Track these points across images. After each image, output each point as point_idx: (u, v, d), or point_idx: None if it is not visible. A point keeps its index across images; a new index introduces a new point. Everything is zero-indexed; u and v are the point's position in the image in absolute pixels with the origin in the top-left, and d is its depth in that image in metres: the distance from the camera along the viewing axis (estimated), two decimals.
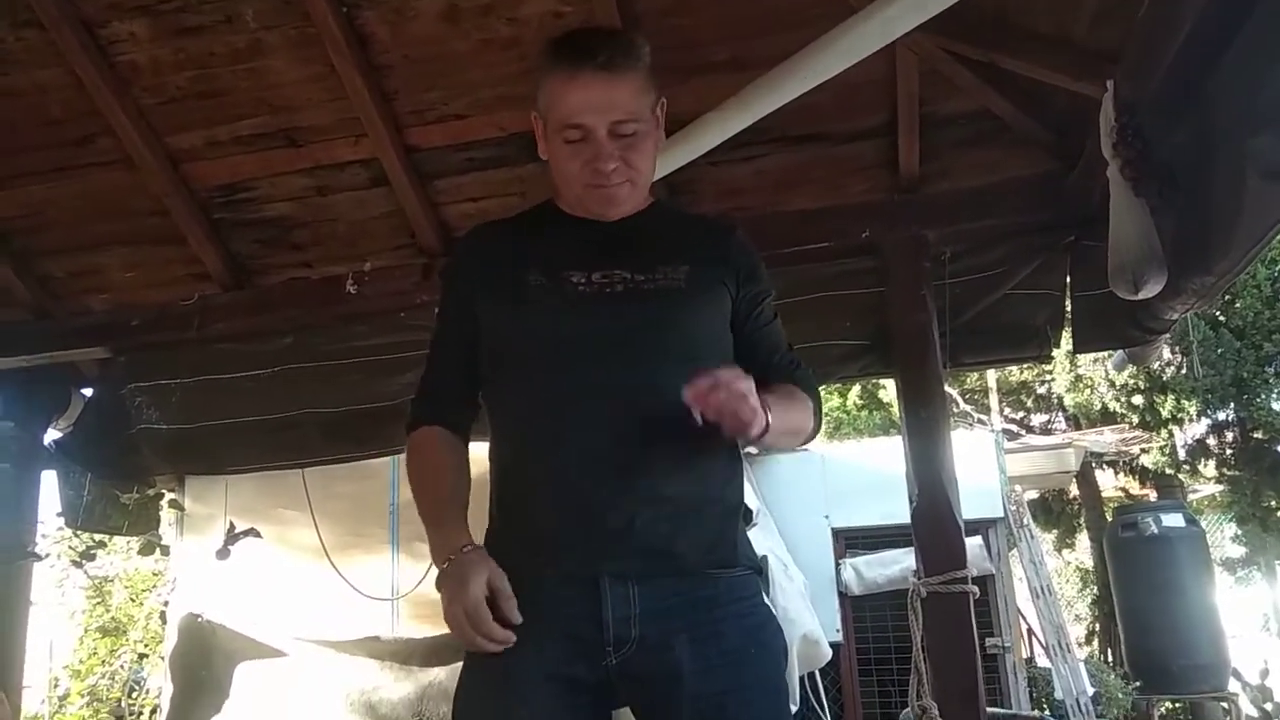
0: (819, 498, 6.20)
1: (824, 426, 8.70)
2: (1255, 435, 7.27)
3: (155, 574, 5.66)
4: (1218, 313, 6.97)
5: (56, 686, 6.06)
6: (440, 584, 1.42)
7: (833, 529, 6.14)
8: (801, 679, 5.28)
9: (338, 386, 2.82)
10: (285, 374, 2.84)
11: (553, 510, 1.45)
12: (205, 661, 3.99)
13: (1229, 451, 7.63)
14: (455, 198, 2.63)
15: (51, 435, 3.06)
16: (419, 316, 2.71)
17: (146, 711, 5.70)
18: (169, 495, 3.81)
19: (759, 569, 1.53)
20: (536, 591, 1.42)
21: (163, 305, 2.82)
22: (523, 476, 1.50)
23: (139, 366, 2.92)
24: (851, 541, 6.21)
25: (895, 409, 8.57)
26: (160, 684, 4.64)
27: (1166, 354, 6.96)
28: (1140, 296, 1.85)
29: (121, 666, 5.88)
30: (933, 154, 2.41)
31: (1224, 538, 9.30)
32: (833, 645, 5.57)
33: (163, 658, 4.45)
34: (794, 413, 1.48)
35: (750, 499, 4.92)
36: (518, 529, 1.48)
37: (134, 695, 5.89)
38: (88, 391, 3.09)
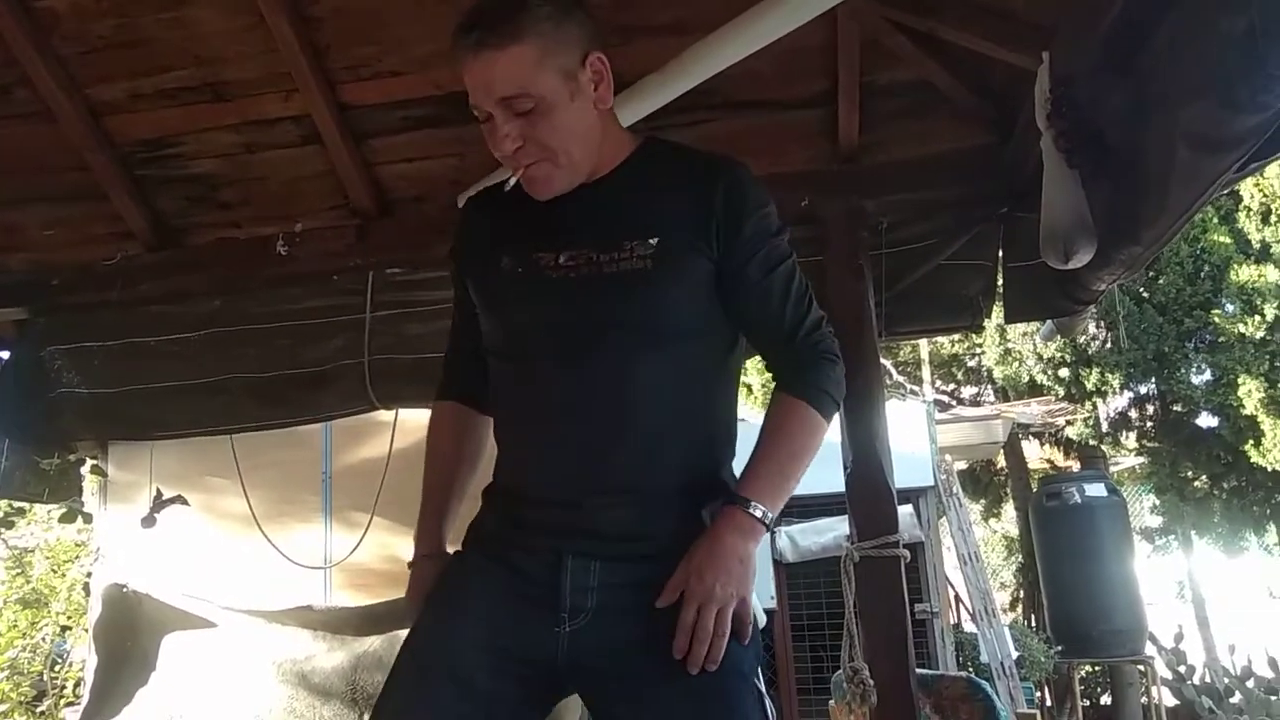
0: None
1: (760, 397, 8.75)
2: (1175, 408, 7.53)
3: (78, 544, 5.50)
4: (1142, 289, 7.18)
5: None
6: (410, 577, 1.57)
7: None
8: None
9: (268, 350, 2.76)
10: (213, 337, 2.76)
11: (524, 493, 1.48)
12: (131, 633, 3.89)
13: (1149, 424, 7.89)
14: (390, 158, 2.57)
15: None
16: (351, 280, 2.66)
17: (70, 685, 5.57)
18: (91, 462, 3.70)
19: None
20: (503, 553, 1.46)
21: (84, 265, 2.72)
22: (505, 452, 1.53)
23: (59, 328, 2.82)
24: (786, 510, 6.26)
25: None
26: (84, 656, 4.52)
27: (1092, 329, 7.16)
28: (1070, 266, 1.89)
29: (43, 639, 5.73)
30: (872, 124, 2.43)
31: (1143, 508, 9.64)
32: (767, 612, 5.66)
33: (86, 630, 4.34)
34: (793, 465, 1.46)
35: None
36: (498, 496, 1.53)
37: (56, 668, 5.75)
38: (4, 354, 2.98)
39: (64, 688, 5.63)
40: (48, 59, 2.37)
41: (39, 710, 5.62)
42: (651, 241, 1.40)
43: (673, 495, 1.43)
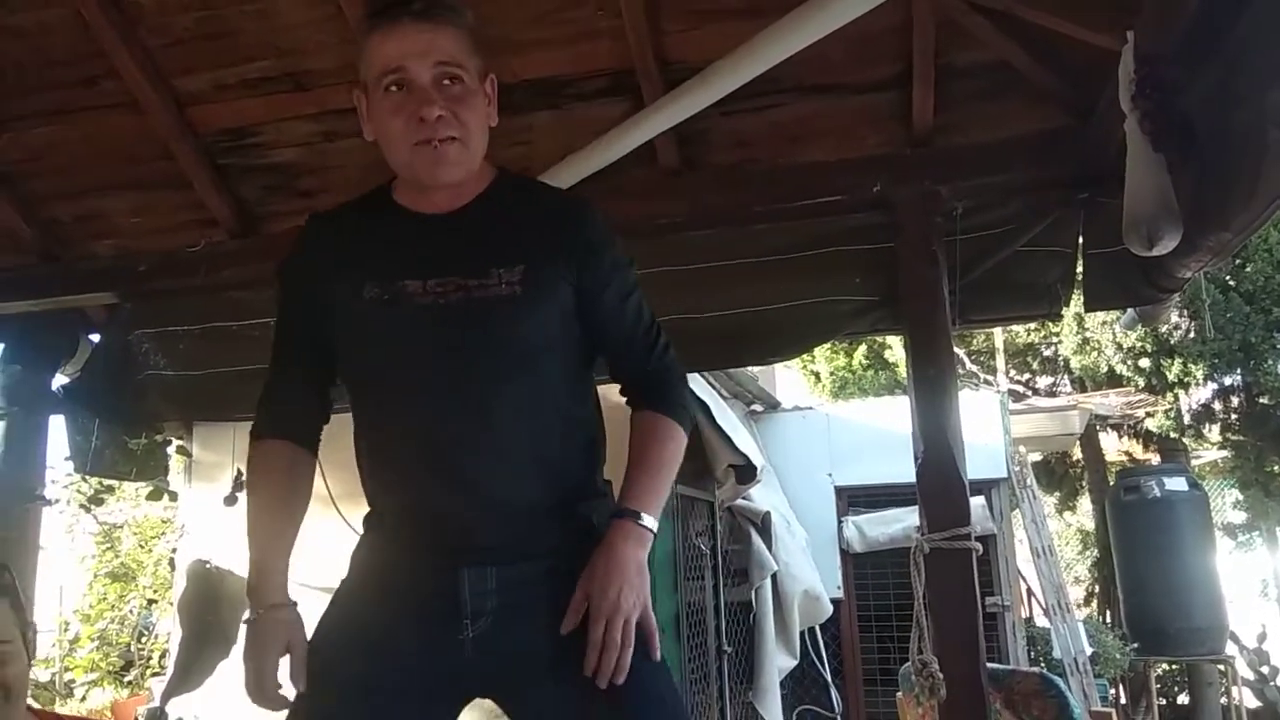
0: (823, 456, 6.22)
1: (829, 385, 8.65)
2: (1261, 400, 7.26)
3: (164, 521, 5.71)
4: (1228, 277, 6.92)
5: (67, 630, 6.15)
6: (246, 634, 1.46)
7: (836, 487, 6.17)
8: (802, 634, 5.33)
9: None
10: None
11: (408, 516, 1.49)
12: (214, 608, 4.03)
13: (1234, 416, 7.62)
14: None
15: (59, 380, 3.07)
16: None
17: (155, 656, 5.79)
18: (177, 442, 3.83)
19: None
20: (395, 576, 1.48)
21: (169, 251, 2.81)
22: (380, 478, 1.52)
23: (146, 313, 2.92)
24: (854, 499, 6.23)
25: (900, 369, 8.54)
26: (169, 629, 4.70)
27: (1175, 318, 6.93)
28: (1154, 253, 1.83)
29: (131, 612, 5.96)
30: (947, 106, 2.38)
31: (1226, 503, 9.33)
32: (833, 601, 5.62)
33: (171, 603, 4.50)
34: (665, 473, 1.52)
35: (755, 456, 4.93)
36: (379, 520, 1.53)
37: (143, 640, 5.98)
38: (95, 338, 3.09)
39: (150, 658, 5.86)
40: (134, 50, 2.45)
41: (126, 679, 5.86)
42: (519, 268, 1.43)
43: (555, 505, 1.48)
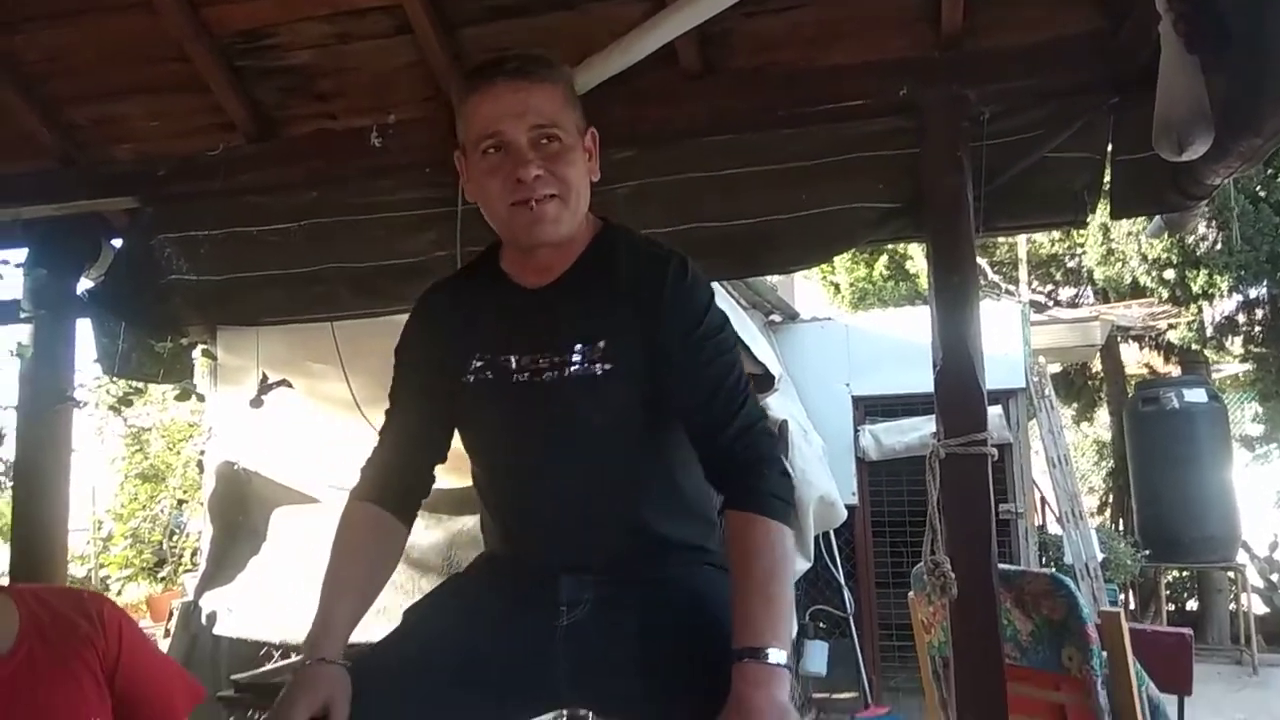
0: (841, 366, 6.24)
1: (849, 296, 8.62)
2: None
3: (191, 425, 5.82)
4: (1259, 187, 6.79)
5: (100, 528, 6.35)
6: (289, 681, 1.43)
7: (853, 396, 6.20)
8: (816, 538, 5.43)
9: (363, 242, 2.82)
10: (311, 228, 2.83)
11: (516, 554, 1.59)
12: (242, 507, 4.15)
13: (1257, 329, 7.56)
14: (481, 48, 2.56)
15: (84, 285, 3.10)
16: (443, 172, 2.68)
17: (187, 553, 5.98)
18: (202, 346, 3.88)
19: (722, 566, 1.53)
20: (499, 574, 1.59)
21: (188, 156, 2.79)
22: (494, 530, 1.64)
23: (167, 217, 2.92)
24: (871, 409, 6.27)
25: (921, 280, 8.50)
26: (200, 528, 4.83)
27: (1202, 228, 6.82)
28: (1185, 158, 1.80)
29: (161, 511, 6.14)
30: (977, 8, 2.31)
31: (1245, 416, 9.33)
32: (848, 508, 5.71)
33: (201, 504, 4.62)
34: (780, 590, 1.38)
35: (773, 365, 4.95)
36: (492, 555, 1.65)
37: (174, 539, 6.17)
38: (118, 243, 3.11)
39: (182, 556, 6.05)
40: None
41: (160, 575, 6.06)
42: (600, 344, 1.44)
43: (654, 546, 1.53)
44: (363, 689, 1.40)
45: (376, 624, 1.54)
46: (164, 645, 3.94)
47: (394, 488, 1.59)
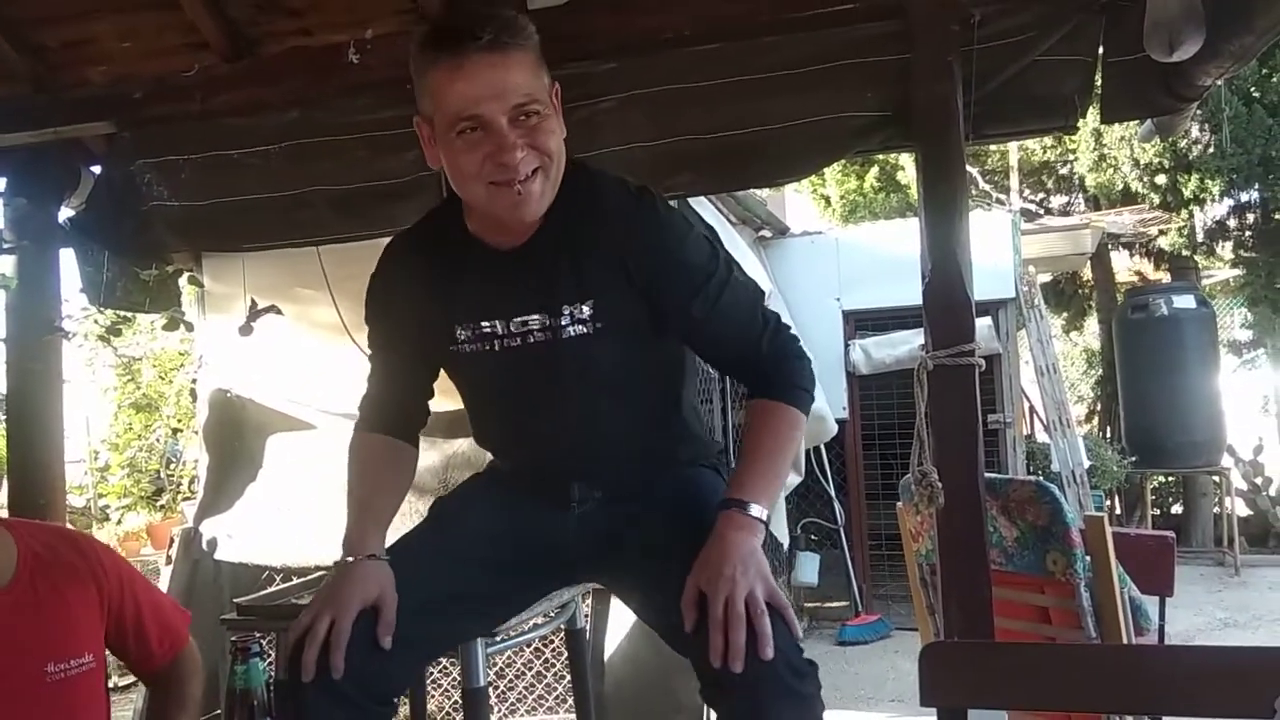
0: (831, 280, 6.23)
1: (839, 209, 8.57)
2: (1277, 216, 7.17)
3: (182, 354, 5.81)
4: (1253, 88, 6.71)
5: (97, 459, 6.38)
6: (333, 573, 1.46)
7: (843, 311, 6.20)
8: (807, 451, 5.50)
9: (345, 163, 2.77)
10: (292, 149, 2.78)
11: (523, 468, 1.69)
12: (237, 434, 4.17)
13: (1248, 233, 7.56)
14: None
15: (65, 213, 3.06)
16: None
17: (185, 482, 6.02)
18: (188, 273, 3.85)
19: (716, 468, 1.72)
20: (515, 478, 1.69)
21: (163, 77, 2.73)
22: (487, 440, 1.74)
23: (145, 142, 2.87)
24: (861, 323, 6.28)
25: (912, 191, 8.43)
26: (196, 456, 4.86)
27: (1195, 132, 6.76)
28: (1175, 58, 1.78)
29: (157, 440, 6.16)
30: None
31: (1234, 321, 9.37)
32: (839, 422, 5.76)
33: (196, 432, 4.64)
34: (780, 461, 1.50)
35: (763, 281, 4.94)
36: (499, 466, 1.74)
37: (171, 467, 6.21)
38: (97, 169, 3.06)
39: (179, 484, 6.10)
40: None
41: (159, 504, 6.12)
42: (588, 303, 1.44)
43: (660, 464, 1.64)
44: (397, 576, 1.47)
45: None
46: (166, 572, 4.00)
47: (394, 418, 1.65)
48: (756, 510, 1.43)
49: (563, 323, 1.45)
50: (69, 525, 3.15)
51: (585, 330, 1.45)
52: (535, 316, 1.47)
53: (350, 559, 1.45)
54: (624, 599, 1.70)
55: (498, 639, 1.79)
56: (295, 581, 2.73)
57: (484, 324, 1.49)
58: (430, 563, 1.52)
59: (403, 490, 1.63)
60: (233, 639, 1.40)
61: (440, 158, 1.44)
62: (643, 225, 1.45)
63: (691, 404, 1.69)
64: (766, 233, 6.32)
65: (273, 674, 1.46)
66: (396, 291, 1.59)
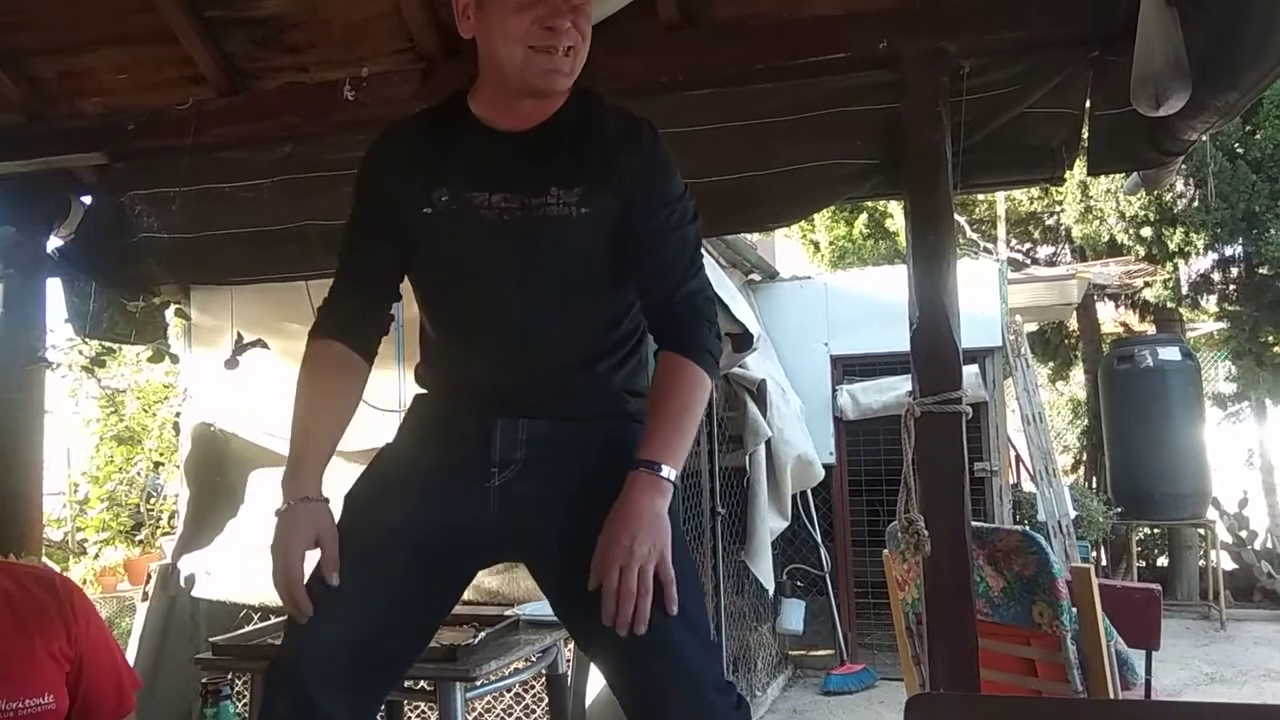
0: (820, 325, 6.24)
1: (828, 255, 8.59)
2: (1260, 271, 7.24)
3: (166, 386, 5.77)
4: (1236, 144, 6.80)
5: (76, 491, 6.30)
6: (276, 525, 1.47)
7: (831, 356, 6.21)
8: (794, 497, 5.47)
9: (337, 198, 2.76)
10: (284, 184, 2.80)
11: (450, 386, 1.60)
12: (219, 469, 4.12)
13: (1232, 287, 7.61)
14: None
15: (54, 243, 3.05)
16: None
17: (165, 516, 5.94)
18: (175, 305, 3.83)
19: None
20: (433, 431, 1.58)
21: (158, 109, 2.74)
22: (432, 360, 1.63)
23: (137, 173, 2.88)
24: (849, 368, 6.29)
25: (901, 238, 8.46)
26: (177, 490, 4.80)
27: (1180, 186, 6.84)
28: (1161, 112, 1.80)
29: (138, 474, 6.09)
30: None
31: (1219, 374, 9.42)
32: (826, 467, 5.74)
33: (178, 466, 4.59)
34: (687, 421, 1.51)
35: (751, 324, 4.95)
36: (425, 395, 1.63)
37: (151, 501, 6.13)
38: (87, 199, 3.06)
39: (159, 519, 6.01)
40: None
41: (138, 538, 6.03)
42: (576, 190, 1.47)
43: (595, 391, 1.57)
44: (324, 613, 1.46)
45: None
46: (142, 609, 3.93)
47: (356, 326, 1.61)
48: (667, 471, 1.44)
49: (548, 201, 1.48)
50: (45, 558, 3.11)
51: (568, 213, 1.48)
52: (521, 194, 1.49)
53: (289, 504, 1.48)
54: (541, 588, 1.65)
55: (477, 684, 1.76)
56: (273, 621, 2.68)
57: (468, 193, 1.50)
58: (355, 597, 1.48)
59: (347, 414, 1.59)
60: (203, 680, 1.38)
61: (475, 27, 1.49)
62: (642, 142, 1.52)
63: (640, 353, 1.65)
64: (756, 276, 6.34)
65: (243, 717, 1.43)
66: (381, 165, 1.59)
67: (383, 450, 1.63)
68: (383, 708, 1.60)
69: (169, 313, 3.79)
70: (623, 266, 1.55)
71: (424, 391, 1.64)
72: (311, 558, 1.50)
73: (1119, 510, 7.19)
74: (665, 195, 1.53)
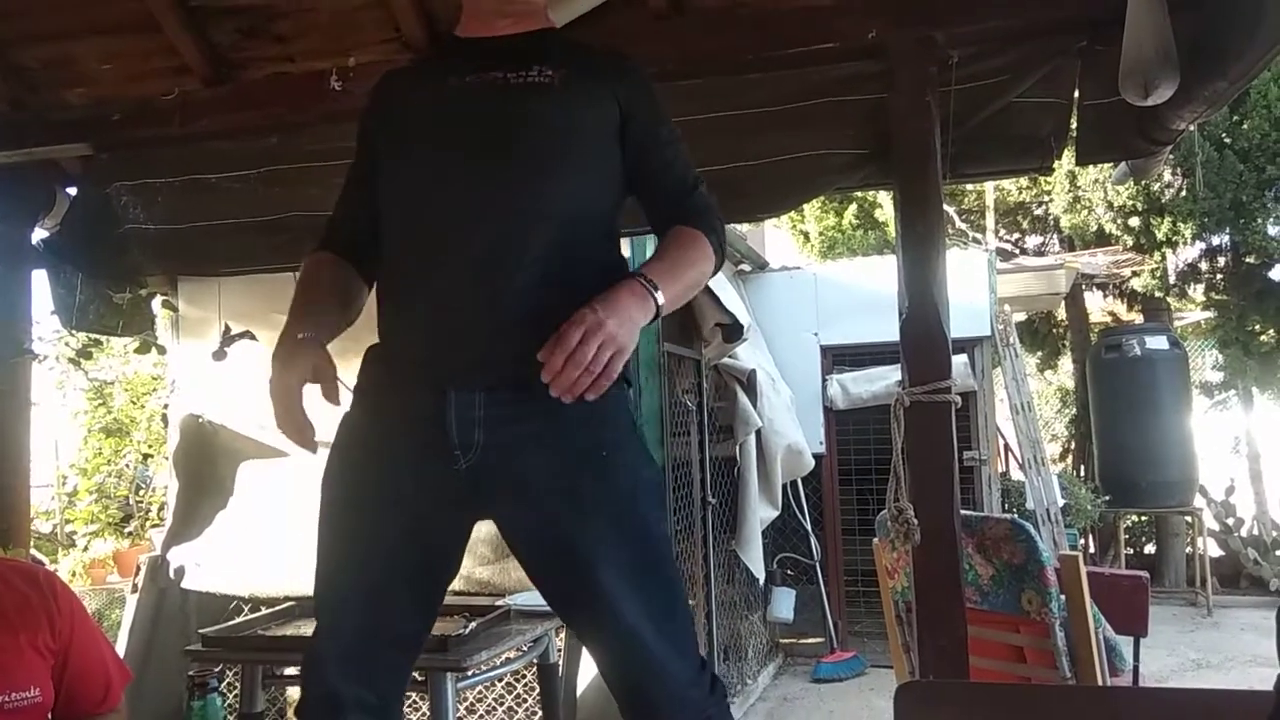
0: (809, 315, 6.25)
1: (818, 245, 8.61)
2: (1247, 260, 7.27)
3: (154, 378, 5.74)
4: (1224, 134, 6.83)
5: (65, 483, 6.27)
6: (271, 361, 1.45)
7: (821, 346, 6.22)
8: (784, 486, 5.48)
9: (324, 189, 2.76)
10: (272, 174, 2.78)
11: (412, 331, 1.50)
12: (208, 461, 4.11)
13: (1219, 276, 7.65)
14: None
15: (39, 235, 3.03)
16: None
17: (154, 508, 5.92)
18: (162, 297, 3.81)
19: (628, 381, 1.53)
20: (388, 409, 1.49)
21: (143, 100, 2.72)
22: (395, 296, 1.54)
23: (123, 164, 2.85)
24: (839, 358, 6.30)
25: (890, 228, 8.48)
26: (166, 482, 4.78)
27: (1168, 176, 6.87)
28: (1150, 102, 1.81)
29: (127, 466, 6.06)
30: None
31: (1206, 363, 9.47)
32: (816, 456, 5.76)
33: (167, 458, 4.57)
34: (686, 268, 1.50)
35: (742, 315, 4.95)
36: (381, 347, 1.55)
37: (141, 493, 6.11)
38: (73, 191, 3.03)
39: (149, 511, 6.00)
40: None
41: (126, 530, 6.01)
42: (560, 71, 1.50)
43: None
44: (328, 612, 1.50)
45: None
46: (131, 601, 3.92)
47: (345, 237, 1.64)
48: (660, 296, 1.41)
49: (529, 73, 1.49)
50: (33, 551, 3.09)
51: (548, 81, 1.49)
52: (502, 69, 1.51)
53: (280, 345, 1.48)
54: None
55: (469, 674, 1.76)
56: (263, 612, 2.68)
57: (446, 80, 1.53)
58: (354, 596, 1.50)
59: (345, 306, 1.58)
60: (190, 674, 1.37)
61: None
62: (634, 65, 1.60)
63: (616, 259, 1.58)
64: (745, 267, 6.34)
65: (233, 708, 1.43)
66: (374, 104, 1.65)
67: (338, 433, 1.57)
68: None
69: (156, 304, 3.77)
70: (615, 180, 1.56)
71: (375, 345, 1.56)
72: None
73: (1107, 498, 7.24)
74: (663, 113, 1.59)
